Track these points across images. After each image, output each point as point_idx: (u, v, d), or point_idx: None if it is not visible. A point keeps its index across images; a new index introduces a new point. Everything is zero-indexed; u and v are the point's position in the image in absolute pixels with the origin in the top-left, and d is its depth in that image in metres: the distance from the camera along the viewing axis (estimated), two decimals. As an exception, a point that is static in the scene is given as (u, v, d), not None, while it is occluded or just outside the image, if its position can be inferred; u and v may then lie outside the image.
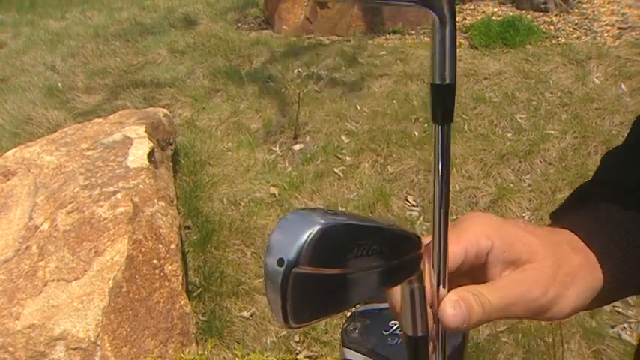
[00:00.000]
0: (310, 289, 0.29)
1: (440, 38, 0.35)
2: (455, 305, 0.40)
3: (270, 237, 0.30)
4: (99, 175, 2.42)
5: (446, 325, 0.41)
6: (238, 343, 2.31)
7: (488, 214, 0.46)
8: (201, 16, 6.08)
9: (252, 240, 2.74)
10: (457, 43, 2.69)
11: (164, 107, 3.65)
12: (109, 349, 1.93)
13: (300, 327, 0.31)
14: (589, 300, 0.47)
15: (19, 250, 2.19)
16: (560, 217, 0.52)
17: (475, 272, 0.44)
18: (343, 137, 3.45)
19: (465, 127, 3.38)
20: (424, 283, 0.39)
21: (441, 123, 0.38)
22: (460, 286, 0.42)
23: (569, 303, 0.45)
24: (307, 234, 0.28)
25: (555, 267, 0.44)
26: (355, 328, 0.59)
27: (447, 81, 0.37)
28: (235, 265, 2.62)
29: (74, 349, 1.91)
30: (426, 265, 0.42)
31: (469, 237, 0.43)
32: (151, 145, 2.67)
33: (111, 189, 2.28)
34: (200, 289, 2.50)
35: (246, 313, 2.42)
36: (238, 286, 2.52)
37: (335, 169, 3.17)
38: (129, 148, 2.62)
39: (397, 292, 0.41)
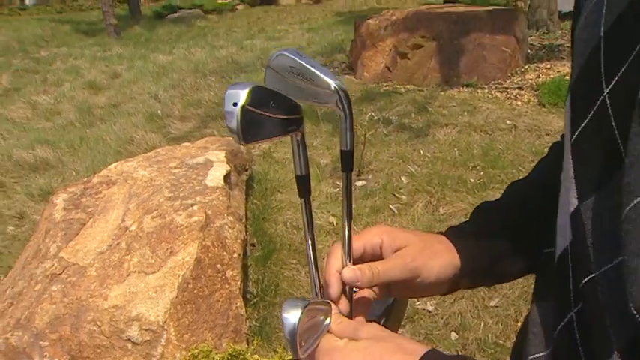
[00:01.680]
0: (250, 120, 0.49)
1: (344, 125, 0.58)
2: (350, 270, 0.62)
3: (225, 93, 0.50)
4: (181, 189, 2.85)
5: (346, 281, 0.62)
6: (284, 348, 2.61)
7: (385, 225, 0.69)
8: (292, 58, 6.61)
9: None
10: (526, 100, 2.99)
11: (246, 138, 4.09)
12: (173, 333, 2.29)
13: (245, 145, 0.51)
14: (450, 273, 0.67)
15: (111, 245, 2.63)
16: (450, 227, 0.75)
17: (377, 259, 0.66)
18: (403, 178, 3.72)
19: (520, 178, 3.56)
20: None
21: (345, 170, 0.61)
22: None
23: (434, 270, 0.65)
24: (247, 89, 0.48)
25: (422, 247, 0.66)
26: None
27: (348, 148, 0.59)
28: (290, 280, 2.94)
29: (146, 329, 2.29)
30: (341, 253, 0.63)
31: (366, 236, 0.66)
32: (228, 168, 3.08)
33: (189, 201, 2.69)
34: (257, 299, 2.83)
35: (293, 323, 2.72)
36: (289, 299, 2.83)
37: (391, 206, 3.45)
38: (209, 170, 3.04)
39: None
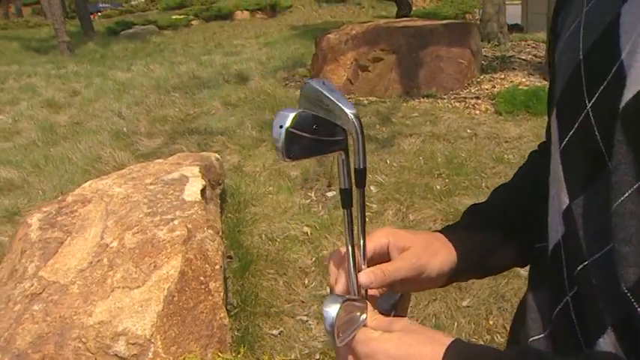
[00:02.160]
0: (294, 140, 0.56)
1: (357, 146, 0.64)
2: (365, 274, 0.68)
3: (275, 116, 0.57)
4: (159, 205, 2.89)
5: (362, 285, 0.68)
6: (266, 355, 2.67)
7: (389, 227, 0.76)
8: (253, 73, 6.70)
9: (285, 271, 3.13)
10: (484, 109, 3.16)
11: (215, 153, 4.15)
12: (161, 346, 2.32)
13: (289, 161, 0.56)
14: (449, 268, 0.73)
15: (92, 262, 2.65)
16: (445, 226, 0.84)
17: (385, 260, 0.73)
18: (372, 187, 3.85)
19: (483, 184, 3.74)
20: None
21: (359, 186, 0.67)
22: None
23: (436, 267, 0.73)
24: (294, 114, 0.56)
25: (425, 246, 0.73)
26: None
27: (361, 166, 0.64)
28: (269, 290, 3.01)
29: (132, 343, 2.32)
30: (356, 254, 0.70)
31: (375, 238, 0.73)
32: (204, 183, 3.13)
33: (169, 216, 2.73)
34: (237, 309, 2.89)
35: (275, 332, 2.78)
36: (270, 308, 2.89)
37: (362, 215, 3.56)
38: (185, 185, 3.09)
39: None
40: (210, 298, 2.55)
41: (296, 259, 3.23)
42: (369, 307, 0.66)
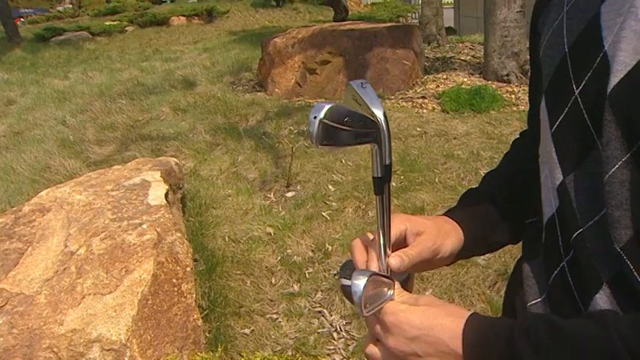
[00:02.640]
0: (326, 130, 0.60)
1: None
2: (394, 258, 0.75)
3: (311, 110, 0.62)
4: (124, 210, 2.86)
5: (392, 269, 0.75)
6: (240, 355, 2.69)
7: (402, 213, 0.80)
8: (199, 78, 6.66)
9: (252, 271, 3.16)
10: (431, 108, 3.32)
11: (171, 157, 4.12)
12: (137, 350, 2.31)
13: (322, 148, 0.61)
14: (459, 247, 0.81)
15: (57, 271, 2.59)
16: (448, 209, 0.93)
17: (402, 242, 0.80)
18: (330, 186, 3.93)
19: (436, 179, 3.90)
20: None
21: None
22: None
23: (448, 248, 0.79)
24: (327, 107, 0.61)
25: (437, 230, 0.78)
26: (347, 269, 0.84)
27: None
28: (237, 291, 3.03)
29: (107, 350, 2.29)
30: (362, 247, 0.78)
31: (394, 225, 0.78)
32: (167, 187, 3.12)
33: (137, 221, 2.71)
34: (207, 311, 2.89)
35: (246, 331, 2.81)
36: (240, 308, 2.92)
37: (323, 213, 3.64)
38: (148, 189, 3.07)
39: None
40: (183, 299, 2.55)
41: (261, 259, 3.27)
42: (397, 284, 0.72)
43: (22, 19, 24.54)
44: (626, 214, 0.59)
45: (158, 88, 6.41)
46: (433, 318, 0.64)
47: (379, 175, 0.71)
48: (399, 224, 0.77)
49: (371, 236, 0.77)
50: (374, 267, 0.73)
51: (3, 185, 4.31)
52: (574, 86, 0.65)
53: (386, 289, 0.71)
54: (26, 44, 14.67)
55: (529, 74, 0.92)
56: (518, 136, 1.04)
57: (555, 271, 0.70)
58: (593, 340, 0.55)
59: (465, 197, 0.94)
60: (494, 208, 0.89)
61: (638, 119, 0.56)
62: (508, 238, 0.91)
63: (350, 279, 0.72)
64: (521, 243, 0.91)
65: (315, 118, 0.59)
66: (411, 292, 0.81)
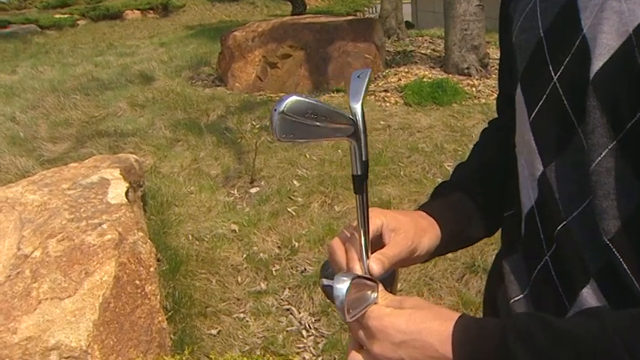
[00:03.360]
0: (287, 124, 0.59)
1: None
2: (375, 262, 0.71)
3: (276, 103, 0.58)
4: (82, 210, 2.73)
5: (373, 274, 0.71)
6: (207, 357, 2.61)
7: (377, 208, 0.75)
8: (157, 73, 6.48)
9: (217, 269, 3.08)
10: (394, 101, 3.28)
11: (130, 154, 3.98)
12: (99, 356, 2.20)
13: (283, 140, 0.59)
14: (435, 244, 0.78)
15: (9, 275, 2.45)
16: (423, 204, 0.90)
17: (377, 238, 0.76)
18: (295, 181, 3.87)
19: (401, 172, 3.89)
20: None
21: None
22: (375, 249, 0.75)
23: (425, 246, 0.75)
24: (289, 100, 0.58)
25: (414, 227, 0.74)
26: (328, 268, 0.82)
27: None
28: (202, 290, 2.94)
29: (67, 357, 2.18)
30: (343, 247, 0.75)
31: (372, 221, 0.74)
32: (127, 185, 3.00)
33: (96, 221, 2.59)
34: (171, 312, 2.80)
35: (213, 331, 2.73)
36: (206, 308, 2.83)
37: (288, 209, 3.58)
38: (107, 188, 2.94)
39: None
40: (147, 301, 2.45)
41: (226, 257, 3.19)
42: (380, 286, 0.68)
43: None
44: (613, 204, 0.56)
45: (114, 83, 6.21)
46: (420, 321, 0.61)
47: (358, 173, 0.68)
48: (375, 218, 0.73)
49: (348, 234, 0.74)
50: (356, 269, 0.69)
51: (-51, 186, 4.07)
52: (552, 72, 0.62)
53: (369, 292, 0.68)
54: (-32, 37, 14.04)
55: (499, 60, 0.90)
56: (486, 126, 1.01)
57: (538, 266, 0.67)
58: (591, 338, 0.52)
59: (438, 190, 0.91)
60: (469, 200, 0.86)
61: (625, 104, 0.53)
62: (484, 232, 0.88)
63: (331, 279, 0.70)
64: (496, 236, 0.88)
65: (275, 110, 0.57)
66: (395, 293, 0.78)
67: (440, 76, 5.52)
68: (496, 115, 1.00)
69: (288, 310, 2.90)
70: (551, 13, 0.64)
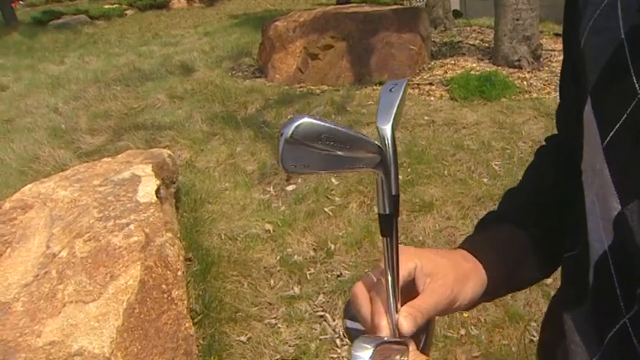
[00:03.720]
0: (296, 152, 0.47)
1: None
2: (406, 319, 0.60)
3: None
4: (111, 208, 2.65)
5: (404, 333, 0.60)
6: (237, 365, 2.51)
7: (410, 247, 0.68)
8: (198, 63, 6.42)
9: (249, 272, 2.96)
10: (439, 95, 3.03)
11: (165, 149, 3.91)
12: (122, 364, 2.12)
13: (289, 173, 0.48)
14: (480, 291, 0.69)
15: (37, 275, 2.39)
16: (465, 240, 0.77)
17: (410, 284, 0.65)
18: (333, 180, 3.72)
19: (445, 172, 3.68)
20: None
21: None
22: (407, 298, 0.63)
23: (468, 294, 0.66)
24: (297, 123, 0.46)
25: (455, 273, 0.66)
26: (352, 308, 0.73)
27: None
28: (233, 294, 2.83)
29: (90, 364, 2.10)
30: (368, 294, 0.63)
31: (403, 265, 0.64)
32: (158, 182, 2.91)
33: (124, 220, 2.51)
34: (201, 316, 2.70)
35: (243, 338, 2.62)
36: (236, 313, 2.72)
37: (325, 209, 3.43)
38: (138, 185, 2.86)
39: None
40: (173, 307, 2.35)
41: (260, 258, 3.07)
42: (412, 346, 0.60)
43: (21, 2, 24.21)
44: None
45: (155, 74, 6.18)
46: None
47: (386, 211, 0.58)
48: (408, 261, 0.64)
49: (375, 278, 0.65)
50: (382, 326, 0.60)
51: (-10, 177, 4.11)
52: (636, 85, 0.48)
53: (398, 357, 0.59)
54: (23, 28, 14.41)
55: (562, 63, 0.75)
56: (543, 143, 0.86)
57: (613, 330, 0.53)
58: None
59: (483, 222, 0.79)
60: (521, 236, 0.74)
61: None
62: (539, 274, 0.76)
63: (357, 320, 0.66)
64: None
65: (281, 135, 0.47)
66: (429, 349, 0.70)
67: (488, 69, 5.24)
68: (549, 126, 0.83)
69: (322, 316, 2.76)
70: (636, 8, 0.50)
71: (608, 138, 0.51)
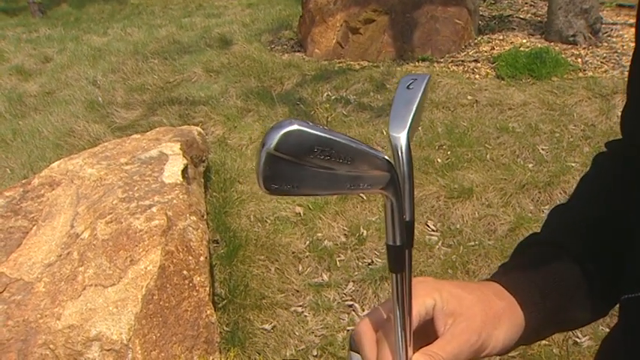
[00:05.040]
0: (279, 168, 0.38)
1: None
2: None
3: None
4: (136, 188, 2.59)
5: None
6: (259, 354, 2.43)
7: (429, 278, 0.57)
8: (237, 36, 6.31)
9: (277, 256, 2.87)
10: (484, 73, 2.82)
11: (198, 125, 3.84)
12: (140, 352, 2.06)
13: (270, 194, 0.38)
14: (516, 336, 0.57)
15: (60, 255, 2.36)
16: (500, 268, 0.63)
17: (428, 325, 0.55)
18: (368, 161, 3.56)
19: (487, 156, 3.48)
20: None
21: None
22: (420, 340, 0.53)
23: (500, 340, 0.55)
24: (284, 131, 0.37)
25: (483, 313, 0.54)
26: None
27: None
28: (259, 279, 2.75)
29: (108, 350, 2.05)
30: (374, 335, 0.54)
31: (419, 301, 0.54)
32: (185, 162, 2.83)
33: (147, 202, 2.44)
34: (225, 301, 2.63)
35: (267, 326, 2.54)
36: (262, 299, 2.64)
37: (359, 192, 3.29)
38: (164, 164, 2.79)
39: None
40: (194, 294, 2.28)
41: (288, 242, 2.97)
42: None
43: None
44: None
45: (193, 47, 6.10)
46: None
47: (397, 243, 0.48)
48: (426, 297, 0.54)
49: (384, 315, 0.56)
50: None
51: (27, 149, 4.13)
52: None
53: None
54: (73, -1, 14.57)
55: (632, 57, 0.62)
56: (604, 149, 0.72)
57: None
58: None
59: (523, 249, 0.66)
60: (571, 271, 0.62)
61: None
62: (590, 315, 0.64)
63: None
64: None
65: (263, 147, 0.38)
66: None
67: (540, 45, 4.93)
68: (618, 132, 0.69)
69: (350, 306, 2.66)
70: None
71: None
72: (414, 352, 0.52)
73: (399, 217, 0.47)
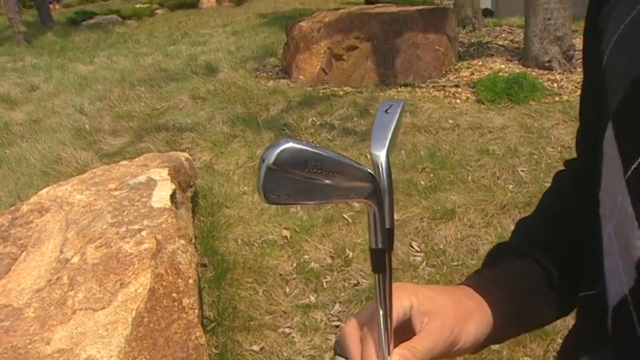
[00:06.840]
0: (278, 181, 0.43)
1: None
2: None
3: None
4: (125, 213, 2.63)
5: None
6: (249, 376, 2.46)
7: (407, 283, 0.63)
8: (222, 64, 6.41)
9: (264, 279, 2.91)
10: (465, 98, 2.93)
11: (185, 151, 3.90)
12: (130, 374, 2.08)
13: (270, 203, 0.44)
14: (486, 331, 0.63)
15: (50, 280, 2.38)
16: (471, 275, 0.71)
17: (406, 324, 0.61)
18: (353, 184, 3.64)
19: (469, 177, 3.57)
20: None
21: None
22: (399, 338, 0.58)
23: (471, 334, 0.61)
24: (282, 148, 0.42)
25: (455, 311, 0.60)
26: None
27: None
28: (248, 301, 2.78)
29: (98, 373, 2.07)
30: (358, 334, 0.59)
31: (398, 303, 0.59)
32: (173, 187, 2.88)
33: (136, 226, 2.48)
34: (214, 324, 2.66)
35: (256, 347, 2.57)
36: (250, 321, 2.68)
37: (344, 215, 3.36)
38: (153, 189, 2.84)
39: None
40: (184, 316, 2.31)
41: (275, 265, 3.01)
42: None
43: (58, 3, 24.71)
44: None
45: (179, 74, 6.19)
46: None
47: (379, 246, 0.54)
48: (403, 299, 0.60)
49: (368, 317, 0.61)
50: None
51: (14, 177, 4.15)
52: None
53: None
54: (58, 28, 14.67)
55: (582, 83, 0.69)
56: (562, 168, 0.80)
57: None
58: None
59: (492, 257, 0.73)
60: (534, 271, 0.69)
61: None
62: (555, 313, 0.70)
63: (347, 358, 0.63)
64: None
65: (263, 162, 0.43)
66: None
67: (517, 70, 5.09)
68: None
69: (337, 327, 2.70)
70: None
71: (632, 168, 0.46)
72: (394, 348, 0.58)
73: (381, 223, 0.53)
